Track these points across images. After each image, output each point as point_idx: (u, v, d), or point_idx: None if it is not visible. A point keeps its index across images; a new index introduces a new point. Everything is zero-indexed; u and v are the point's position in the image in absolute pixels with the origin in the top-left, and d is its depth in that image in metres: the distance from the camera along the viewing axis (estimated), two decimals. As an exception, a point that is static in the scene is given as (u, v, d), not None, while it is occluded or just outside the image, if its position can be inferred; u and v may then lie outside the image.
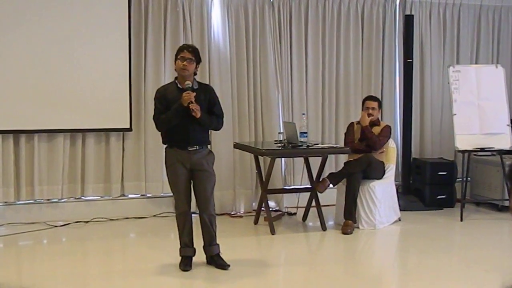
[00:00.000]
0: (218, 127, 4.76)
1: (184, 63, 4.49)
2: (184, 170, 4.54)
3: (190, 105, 4.41)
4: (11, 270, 4.87)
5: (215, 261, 4.67)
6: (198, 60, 4.59)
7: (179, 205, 4.62)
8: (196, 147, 4.55)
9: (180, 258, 4.67)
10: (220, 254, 4.70)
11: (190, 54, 4.52)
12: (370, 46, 7.34)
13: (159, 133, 4.68)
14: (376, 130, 6.29)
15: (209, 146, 4.76)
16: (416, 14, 7.41)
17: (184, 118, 4.46)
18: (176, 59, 4.57)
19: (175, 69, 4.62)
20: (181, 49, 4.58)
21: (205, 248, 4.70)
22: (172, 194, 4.75)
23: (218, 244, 4.69)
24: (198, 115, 4.44)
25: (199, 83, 4.69)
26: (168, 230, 5.81)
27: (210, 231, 4.62)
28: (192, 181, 4.60)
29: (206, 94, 4.62)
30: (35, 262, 5.12)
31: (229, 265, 4.63)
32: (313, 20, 7.09)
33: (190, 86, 4.48)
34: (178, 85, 4.56)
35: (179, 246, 4.68)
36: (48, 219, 6.21)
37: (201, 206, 4.61)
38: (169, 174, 4.62)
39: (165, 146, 4.68)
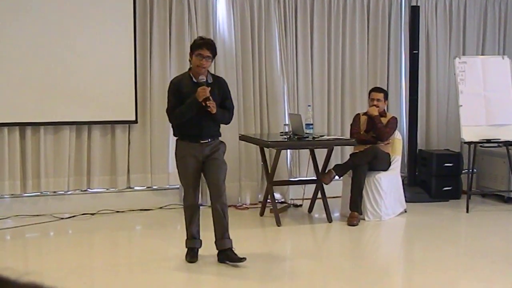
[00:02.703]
0: (228, 121, 4.71)
1: (202, 61, 4.39)
2: (195, 163, 4.49)
3: (206, 102, 4.32)
4: (18, 261, 4.89)
5: (228, 256, 4.47)
6: (215, 55, 4.51)
7: (188, 198, 4.58)
8: (208, 140, 4.52)
9: (186, 249, 4.66)
10: (232, 248, 4.51)
11: (208, 51, 4.40)
12: (376, 38, 7.31)
13: (165, 125, 4.69)
14: (383, 121, 6.27)
15: (220, 138, 4.72)
16: (422, 5, 7.37)
17: (198, 112, 4.39)
18: (192, 53, 4.45)
19: (189, 60, 4.54)
20: (199, 46, 4.42)
21: (217, 242, 4.50)
22: (179, 186, 4.74)
23: (230, 239, 4.51)
24: (214, 111, 4.37)
25: (212, 76, 4.63)
26: (174, 222, 5.81)
27: (222, 222, 4.46)
28: (203, 171, 4.54)
29: (220, 88, 4.56)
30: (42, 254, 5.14)
31: (245, 258, 4.45)
32: (318, 11, 7.06)
33: (205, 80, 4.40)
34: (193, 78, 4.47)
35: (185, 238, 4.67)
36: (55, 211, 6.22)
37: (213, 195, 4.48)
38: (179, 166, 4.57)
39: (175, 138, 4.65)
